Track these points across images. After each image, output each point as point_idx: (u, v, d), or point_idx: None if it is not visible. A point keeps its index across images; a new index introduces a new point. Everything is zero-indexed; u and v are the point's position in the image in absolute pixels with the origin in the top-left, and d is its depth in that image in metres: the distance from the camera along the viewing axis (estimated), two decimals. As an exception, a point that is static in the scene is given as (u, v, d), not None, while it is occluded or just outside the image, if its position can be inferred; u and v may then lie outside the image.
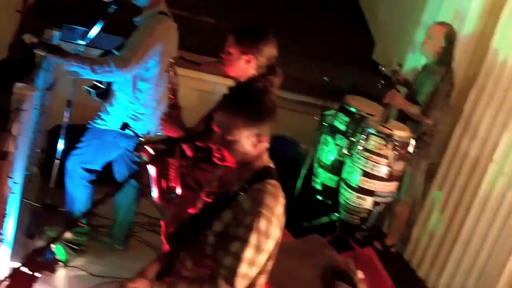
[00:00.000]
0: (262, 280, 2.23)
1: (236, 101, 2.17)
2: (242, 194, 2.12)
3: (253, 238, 2.05)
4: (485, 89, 4.27)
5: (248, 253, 2.06)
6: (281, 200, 2.14)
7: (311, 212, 4.63)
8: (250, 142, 2.13)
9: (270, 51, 2.86)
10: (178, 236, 2.32)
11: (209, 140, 2.21)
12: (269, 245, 2.10)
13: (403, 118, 4.47)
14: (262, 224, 2.05)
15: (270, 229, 2.07)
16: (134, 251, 3.98)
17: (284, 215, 2.18)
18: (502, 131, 4.06)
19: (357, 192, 4.20)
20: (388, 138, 4.08)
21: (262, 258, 2.10)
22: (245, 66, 2.85)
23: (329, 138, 4.49)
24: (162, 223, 2.81)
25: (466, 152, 4.35)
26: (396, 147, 4.06)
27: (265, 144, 2.18)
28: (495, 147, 4.09)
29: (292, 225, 3.98)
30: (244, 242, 2.05)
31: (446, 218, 4.44)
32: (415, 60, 4.94)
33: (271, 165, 2.23)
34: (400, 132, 4.16)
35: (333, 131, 4.48)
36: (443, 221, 4.46)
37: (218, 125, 2.15)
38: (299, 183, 4.64)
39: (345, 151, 4.29)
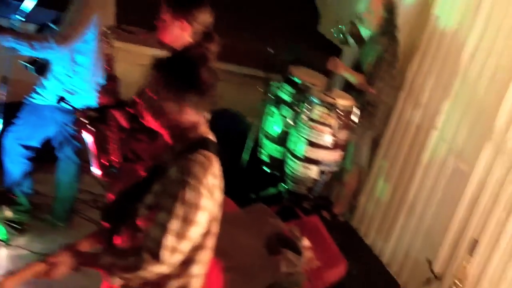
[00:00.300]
0: (204, 256, 2.16)
1: (170, 69, 2.10)
2: (172, 165, 2.06)
3: (179, 209, 1.98)
4: (427, 56, 4.33)
5: (174, 224, 1.98)
6: (214, 171, 2.07)
7: (259, 183, 4.63)
8: (183, 111, 2.07)
9: (205, 17, 2.82)
10: (112, 211, 2.27)
11: (140, 106, 2.16)
12: (200, 218, 2.02)
13: (348, 88, 4.49)
14: (189, 194, 1.98)
15: (199, 200, 2.00)
16: (78, 229, 3.90)
17: (220, 188, 2.12)
18: (443, 97, 4.12)
19: (302, 162, 4.22)
20: (331, 107, 4.10)
21: (193, 232, 2.02)
22: (180, 33, 2.80)
23: (275, 109, 4.48)
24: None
25: (410, 120, 4.41)
26: (339, 116, 4.09)
27: (201, 115, 2.13)
28: (437, 114, 4.15)
29: (240, 197, 3.99)
30: (170, 212, 1.98)
31: (391, 186, 4.51)
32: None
33: (211, 137, 2.17)
34: (343, 101, 4.18)
35: (278, 102, 4.47)
36: (388, 189, 4.53)
37: (151, 91, 2.10)
38: (245, 155, 4.63)
39: (290, 121, 4.29)
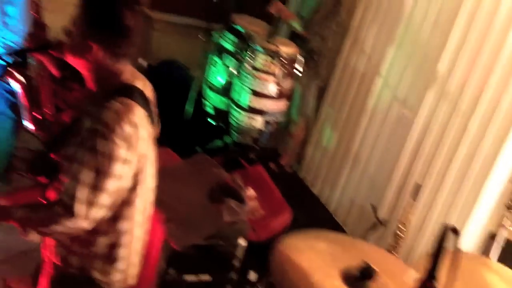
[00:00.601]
0: (132, 212, 2.05)
1: (92, 8, 1.97)
2: (90, 113, 1.93)
3: (91, 160, 1.86)
4: (371, 3, 4.27)
5: (87, 176, 1.87)
6: (133, 120, 1.91)
7: (205, 136, 4.55)
8: (103, 54, 1.95)
9: None
10: (38, 164, 2.18)
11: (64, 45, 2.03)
12: (118, 170, 1.89)
13: (292, 36, 4.42)
14: (101, 144, 1.85)
15: (114, 150, 1.87)
16: (15, 185, 3.77)
17: (145, 139, 1.99)
18: (388, 44, 4.09)
19: (247, 112, 4.15)
20: (275, 55, 4.02)
21: (111, 184, 1.90)
22: None
23: (217, 59, 4.38)
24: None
25: (355, 68, 4.38)
26: (283, 64, 4.02)
27: (125, 61, 2.01)
28: (381, 61, 4.13)
29: (186, 150, 3.92)
30: (81, 164, 1.87)
31: (338, 135, 4.50)
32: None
33: (139, 85, 2.04)
34: (287, 49, 4.10)
35: (221, 51, 4.36)
36: (334, 138, 4.52)
37: (74, 29, 1.98)
38: (189, 108, 4.53)
39: (233, 71, 4.20)
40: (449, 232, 1.20)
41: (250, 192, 3.47)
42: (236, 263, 3.20)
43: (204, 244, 3.07)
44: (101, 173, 1.87)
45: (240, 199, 3.19)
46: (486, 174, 3.36)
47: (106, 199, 1.91)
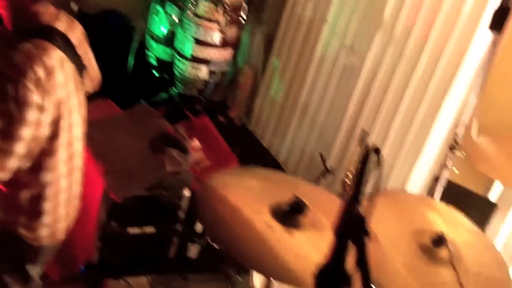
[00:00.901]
0: (53, 163, 1.93)
1: None
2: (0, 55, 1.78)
3: (0, 105, 1.72)
4: None
5: None
6: (48, 63, 1.78)
7: (149, 88, 4.41)
8: None
9: None
10: None
11: None
12: (31, 116, 1.76)
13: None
14: (11, 88, 1.71)
15: (27, 96, 1.73)
16: None
17: (63, 86, 1.85)
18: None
19: (191, 62, 4.03)
20: (218, 2, 3.89)
21: (25, 132, 1.76)
22: None
23: (159, 8, 4.21)
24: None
25: (301, 14, 4.28)
26: (226, 11, 3.89)
27: (45, 2, 1.85)
28: (328, 6, 4.04)
29: (130, 103, 3.78)
30: None
31: (286, 85, 4.42)
32: None
33: (61, 27, 1.90)
34: (230, -5, 3.97)
35: (163, -1, 4.20)
36: (283, 88, 4.44)
37: None
38: (131, 59, 4.36)
39: (175, 19, 4.05)
40: (372, 153, 1.13)
41: (195, 143, 3.38)
42: (181, 214, 3.13)
43: (146, 195, 2.97)
44: (13, 120, 1.74)
45: (183, 149, 3.09)
46: (432, 118, 3.35)
47: (20, 148, 1.78)
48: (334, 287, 1.02)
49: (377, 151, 1.14)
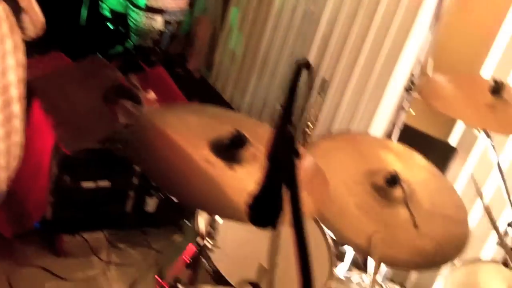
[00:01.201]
0: None
1: None
2: None
3: None
4: None
5: None
6: None
7: (104, 41, 4.24)
8: None
9: None
10: None
11: None
12: None
13: None
14: None
15: None
16: None
17: (5, 36, 1.77)
18: None
19: (145, 12, 3.87)
20: None
21: None
22: None
23: (111, -44, 4.03)
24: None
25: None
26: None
27: None
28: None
29: (84, 56, 3.63)
30: None
31: (245, 37, 4.31)
32: None
33: None
34: None
35: None
36: (242, 40, 4.33)
37: None
38: (84, 12, 4.18)
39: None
40: (303, 68, 1.05)
41: (151, 94, 3.27)
42: (137, 167, 3.04)
43: (100, 148, 2.87)
44: None
45: (137, 100, 2.99)
46: (392, 65, 3.31)
47: None
48: (267, 214, 0.96)
49: (307, 65, 1.06)
